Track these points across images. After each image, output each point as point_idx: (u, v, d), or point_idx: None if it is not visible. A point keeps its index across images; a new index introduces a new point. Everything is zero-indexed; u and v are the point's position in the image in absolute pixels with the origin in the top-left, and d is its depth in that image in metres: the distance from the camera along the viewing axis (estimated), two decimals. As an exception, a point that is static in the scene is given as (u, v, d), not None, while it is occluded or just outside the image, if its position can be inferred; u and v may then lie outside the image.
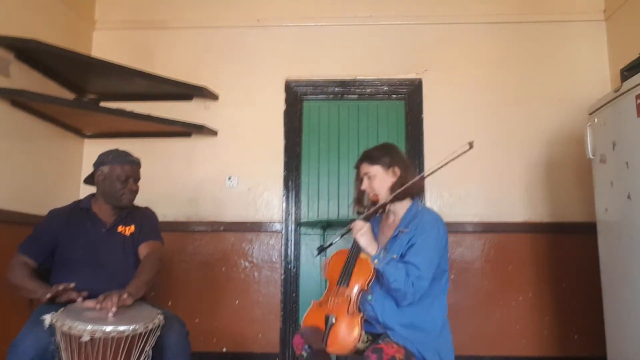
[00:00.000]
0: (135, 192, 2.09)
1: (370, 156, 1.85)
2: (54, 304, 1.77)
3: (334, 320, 1.61)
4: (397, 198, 1.77)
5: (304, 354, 1.71)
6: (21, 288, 1.86)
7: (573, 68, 3.31)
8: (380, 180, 1.81)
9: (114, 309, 1.64)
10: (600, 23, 3.35)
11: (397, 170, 1.82)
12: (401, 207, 1.84)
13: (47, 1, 3.01)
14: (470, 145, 1.67)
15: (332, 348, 1.60)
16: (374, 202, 1.79)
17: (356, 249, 1.73)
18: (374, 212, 1.79)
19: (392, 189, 1.78)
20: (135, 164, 2.11)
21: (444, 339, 1.74)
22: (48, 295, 1.76)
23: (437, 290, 1.75)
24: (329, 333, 1.60)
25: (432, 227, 1.73)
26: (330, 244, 1.82)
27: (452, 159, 1.71)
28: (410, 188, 1.76)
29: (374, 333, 1.75)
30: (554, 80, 3.30)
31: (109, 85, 3.28)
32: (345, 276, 1.70)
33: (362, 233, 1.67)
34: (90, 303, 1.70)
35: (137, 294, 1.77)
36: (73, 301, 1.76)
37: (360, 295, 1.68)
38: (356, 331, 1.58)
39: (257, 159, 3.35)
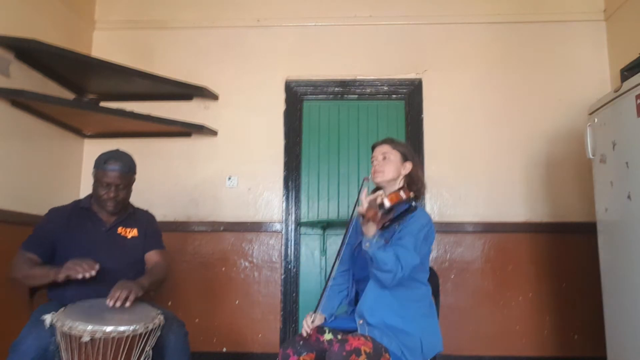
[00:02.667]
0: (114, 199, 1.99)
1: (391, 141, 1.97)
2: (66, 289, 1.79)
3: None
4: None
5: None
6: (30, 277, 1.84)
7: (573, 68, 3.31)
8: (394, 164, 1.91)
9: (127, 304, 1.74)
10: (600, 23, 3.35)
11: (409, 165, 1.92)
12: None
13: (47, 1, 3.00)
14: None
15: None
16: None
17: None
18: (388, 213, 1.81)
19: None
20: (118, 170, 1.98)
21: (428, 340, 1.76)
22: (61, 275, 1.73)
23: (420, 288, 1.82)
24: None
25: (421, 216, 1.82)
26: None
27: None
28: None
29: (346, 330, 1.80)
30: (554, 80, 3.30)
31: (109, 85, 3.28)
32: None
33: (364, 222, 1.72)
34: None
35: (144, 288, 1.87)
36: (83, 278, 1.74)
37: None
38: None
39: (257, 159, 3.35)
